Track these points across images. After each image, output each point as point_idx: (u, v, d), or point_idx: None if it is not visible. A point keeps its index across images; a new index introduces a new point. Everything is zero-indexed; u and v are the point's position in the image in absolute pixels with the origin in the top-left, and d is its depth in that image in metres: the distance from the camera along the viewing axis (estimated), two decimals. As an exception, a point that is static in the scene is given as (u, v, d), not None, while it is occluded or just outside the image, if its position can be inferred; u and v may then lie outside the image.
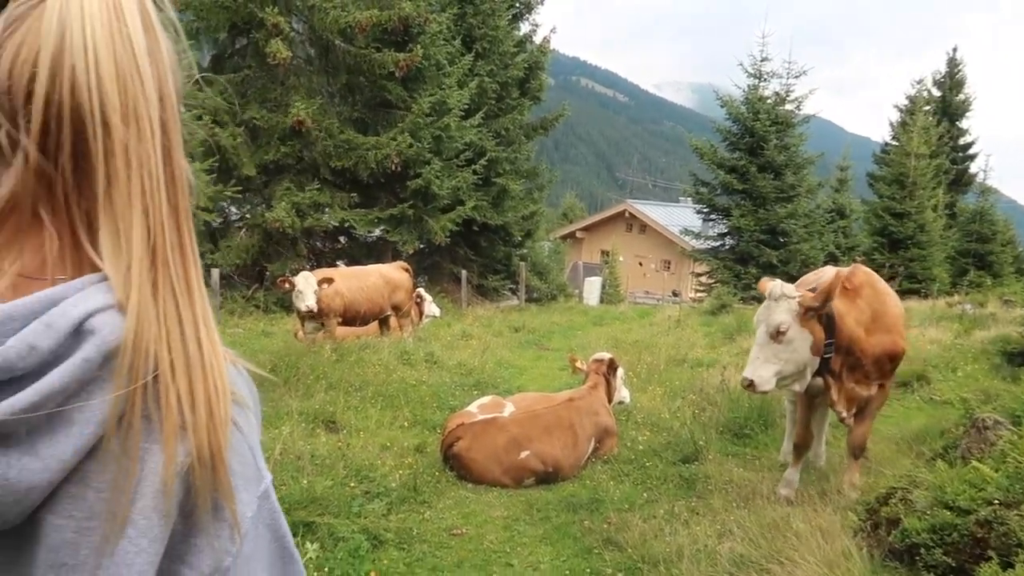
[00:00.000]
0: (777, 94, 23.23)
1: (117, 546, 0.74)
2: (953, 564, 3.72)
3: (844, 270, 5.51)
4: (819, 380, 5.13)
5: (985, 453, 4.91)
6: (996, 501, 3.79)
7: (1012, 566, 3.40)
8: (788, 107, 23.27)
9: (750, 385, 4.80)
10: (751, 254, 21.63)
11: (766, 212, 21.68)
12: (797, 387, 5.04)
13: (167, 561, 0.78)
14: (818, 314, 4.82)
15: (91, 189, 0.79)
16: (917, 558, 3.87)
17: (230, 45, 17.68)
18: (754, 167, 22.05)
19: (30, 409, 0.71)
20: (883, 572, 3.88)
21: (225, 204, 17.82)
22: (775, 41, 24.73)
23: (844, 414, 5.27)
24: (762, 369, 4.78)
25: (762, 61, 23.21)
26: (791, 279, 20.55)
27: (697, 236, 24.57)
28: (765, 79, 23.33)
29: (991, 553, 3.56)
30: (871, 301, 5.17)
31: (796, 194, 22.38)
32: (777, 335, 4.74)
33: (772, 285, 4.91)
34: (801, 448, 5.57)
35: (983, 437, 5.11)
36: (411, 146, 17.05)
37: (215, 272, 14.20)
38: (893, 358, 5.24)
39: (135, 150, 0.79)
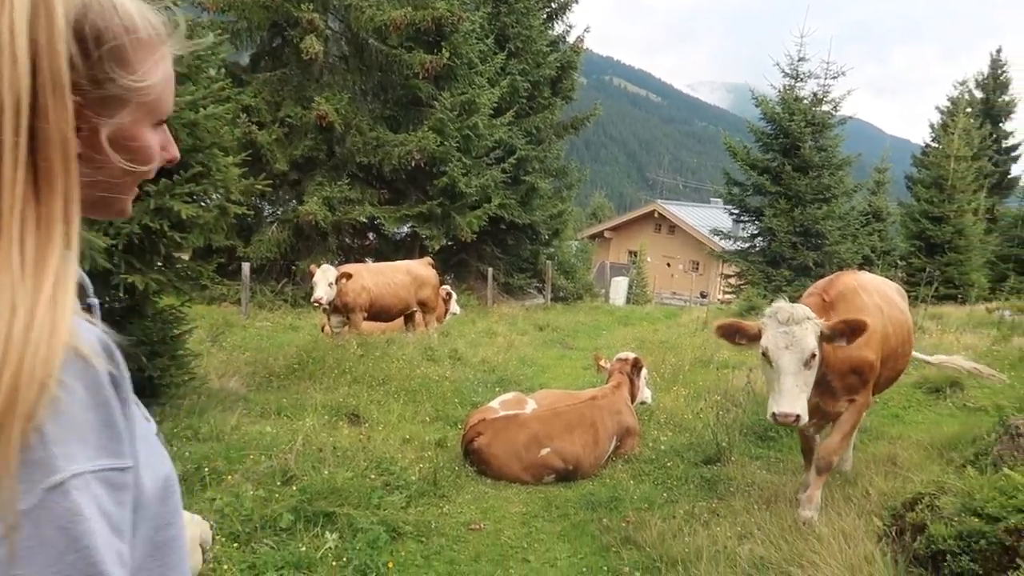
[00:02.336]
0: (814, 95, 22.89)
1: None
2: (980, 572, 3.63)
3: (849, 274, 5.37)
4: None
5: (1018, 460, 4.79)
6: (1026, 509, 3.69)
7: (1041, 575, 3.30)
8: (825, 108, 22.92)
9: (796, 420, 4.37)
10: (783, 256, 21.34)
11: (801, 213, 21.38)
12: None
13: None
14: None
15: None
16: (943, 565, 3.78)
17: (268, 44, 17.89)
18: (789, 167, 21.76)
19: None
20: (906, 578, 3.79)
21: (257, 200, 18.05)
22: (814, 41, 24.44)
23: (810, 430, 5.10)
24: (801, 400, 4.42)
25: (799, 61, 22.90)
26: (822, 281, 19.65)
27: (727, 237, 24.32)
28: (802, 79, 23.01)
29: (1020, 562, 3.47)
30: (843, 314, 4.82)
31: (832, 196, 22.03)
32: (811, 360, 4.45)
33: (790, 308, 4.55)
34: (806, 452, 5.44)
35: (1016, 444, 4.98)
36: (440, 144, 17.11)
37: (245, 266, 14.37)
38: (859, 372, 4.90)
39: None
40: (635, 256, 36.07)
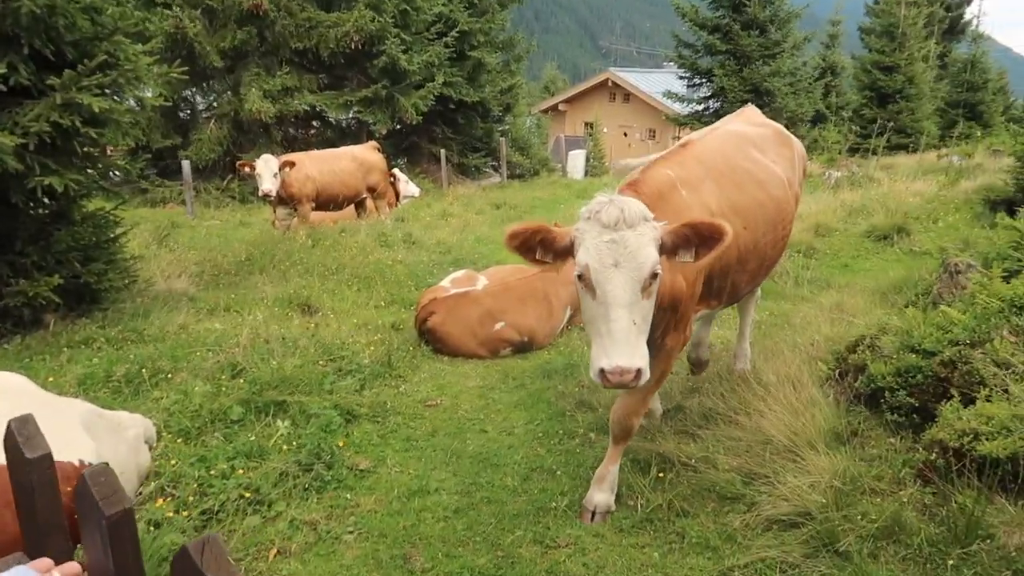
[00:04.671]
0: (762, -58, 22.01)
1: None
2: (916, 404, 3.75)
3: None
4: None
5: (956, 297, 4.90)
6: (961, 342, 3.78)
7: (973, 402, 3.42)
8: (774, -43, 22.11)
9: (636, 377, 2.82)
10: (735, 116, 21.10)
11: (750, 71, 21.01)
12: None
13: None
14: None
15: None
16: (882, 401, 3.90)
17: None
18: (737, 25, 21.19)
19: None
20: (847, 416, 3.91)
21: (190, 94, 17.20)
22: None
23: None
24: (640, 347, 2.89)
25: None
26: (775, 139, 19.47)
27: (681, 101, 23.90)
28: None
29: (953, 391, 3.59)
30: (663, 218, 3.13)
31: (781, 51, 21.59)
32: (651, 283, 2.93)
33: (620, 203, 2.94)
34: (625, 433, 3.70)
35: (955, 281, 5.09)
36: (373, 20, 16.26)
37: (186, 164, 13.80)
38: (674, 305, 3.38)
39: None
40: (591, 127, 35.49)
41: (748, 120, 4.79)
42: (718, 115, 22.11)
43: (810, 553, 3.00)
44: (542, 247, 3.08)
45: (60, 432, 3.20)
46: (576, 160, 27.93)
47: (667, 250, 2.98)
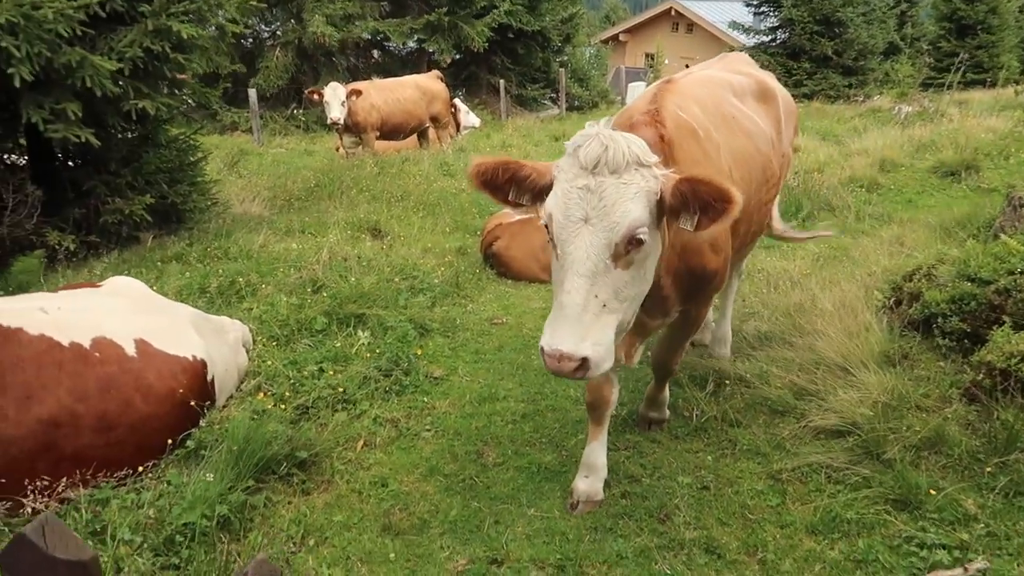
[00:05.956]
0: None
1: None
2: (968, 330, 3.88)
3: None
4: None
5: (1018, 230, 4.93)
6: (1017, 271, 3.87)
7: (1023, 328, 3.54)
8: None
9: (580, 367, 2.25)
10: (803, 47, 20.43)
11: (820, 0, 20.25)
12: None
13: None
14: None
15: None
16: (934, 326, 4.04)
17: None
18: (809, -51, 20.37)
19: None
20: (899, 341, 4.06)
21: (255, 21, 17.45)
22: None
23: (621, 357, 3.01)
24: (598, 331, 2.29)
25: None
26: (846, 72, 19.58)
27: (747, 31, 23.19)
28: None
29: (1005, 318, 3.70)
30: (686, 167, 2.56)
31: (855, -22, 20.74)
32: (631, 248, 2.30)
33: (607, 139, 2.28)
34: (598, 407, 3.22)
35: (1018, 215, 5.11)
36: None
37: (252, 92, 14.15)
38: (701, 278, 2.90)
39: None
40: (652, 59, 34.72)
41: (728, 67, 4.15)
42: (784, 46, 21.47)
43: (855, 460, 3.22)
44: (514, 185, 2.47)
45: (175, 330, 3.59)
46: (636, 92, 27.46)
47: (668, 210, 2.33)
